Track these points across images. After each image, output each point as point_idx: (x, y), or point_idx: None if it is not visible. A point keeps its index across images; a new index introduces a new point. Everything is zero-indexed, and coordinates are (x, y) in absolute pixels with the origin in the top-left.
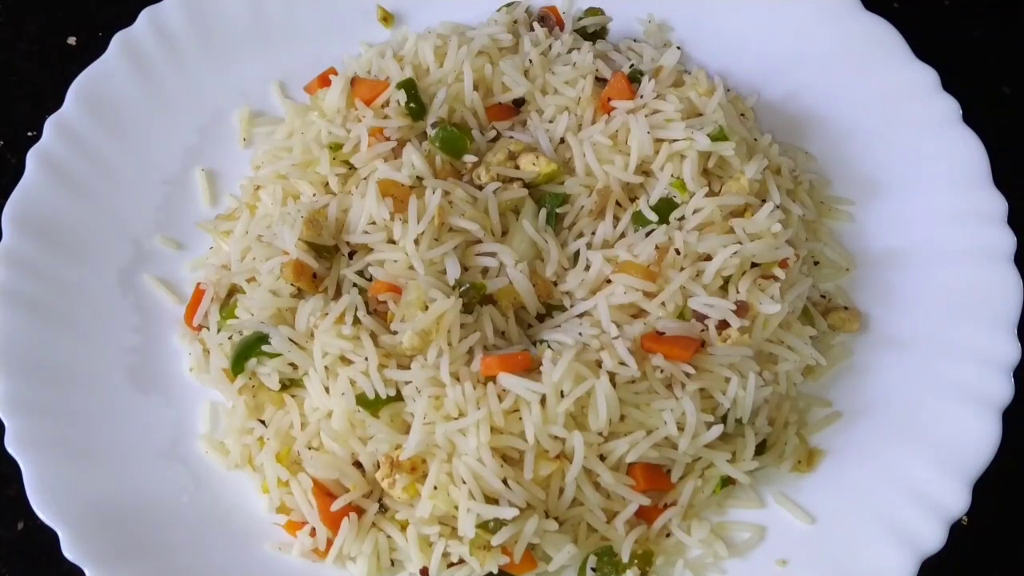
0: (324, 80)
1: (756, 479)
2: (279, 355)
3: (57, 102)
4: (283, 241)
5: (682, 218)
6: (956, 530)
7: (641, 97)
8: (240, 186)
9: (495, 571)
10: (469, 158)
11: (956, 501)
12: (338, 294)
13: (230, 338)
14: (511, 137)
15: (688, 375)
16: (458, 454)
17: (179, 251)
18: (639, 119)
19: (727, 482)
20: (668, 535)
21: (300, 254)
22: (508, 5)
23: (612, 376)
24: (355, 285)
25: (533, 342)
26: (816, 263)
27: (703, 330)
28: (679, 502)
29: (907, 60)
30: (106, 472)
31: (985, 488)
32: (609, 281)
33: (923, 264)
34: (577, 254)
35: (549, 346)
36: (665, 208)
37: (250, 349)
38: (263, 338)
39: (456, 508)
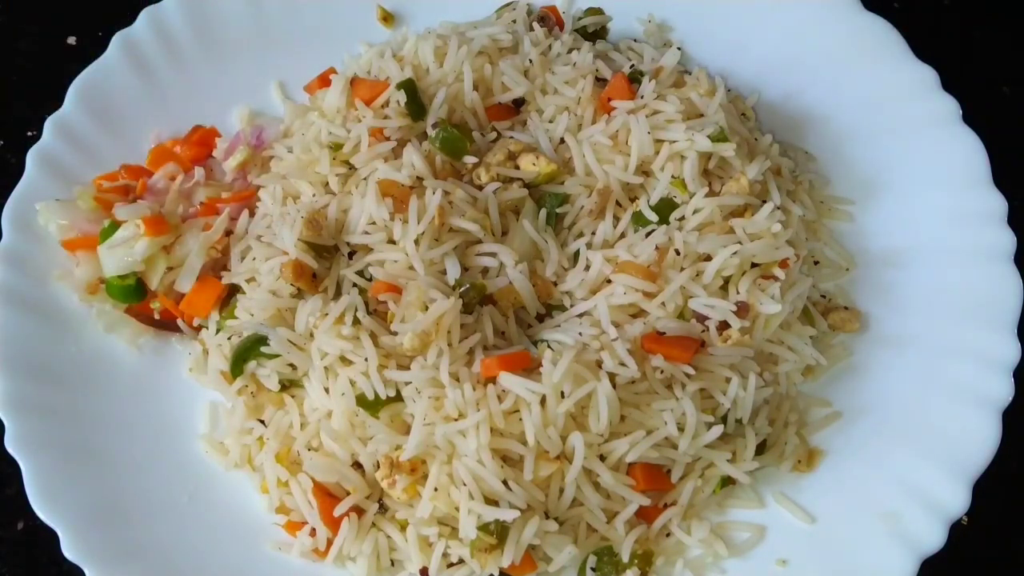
0: (324, 80)
1: (756, 479)
2: (278, 356)
3: (57, 102)
4: (283, 241)
5: (682, 218)
6: (956, 530)
7: (642, 97)
8: None
9: (495, 573)
10: (469, 159)
11: (956, 501)
12: (338, 294)
13: (229, 339)
14: (511, 137)
15: (688, 375)
16: (458, 455)
17: None
18: (639, 119)
19: (727, 482)
20: (668, 535)
21: (300, 254)
22: (508, 5)
23: (612, 377)
24: (355, 285)
25: (533, 342)
26: (816, 263)
27: (703, 331)
28: (679, 502)
29: (907, 60)
30: (106, 472)
31: (985, 488)
32: (609, 281)
33: (923, 264)
34: (577, 254)
35: (549, 346)
36: (665, 208)
37: (249, 351)
38: (262, 339)
39: (457, 509)
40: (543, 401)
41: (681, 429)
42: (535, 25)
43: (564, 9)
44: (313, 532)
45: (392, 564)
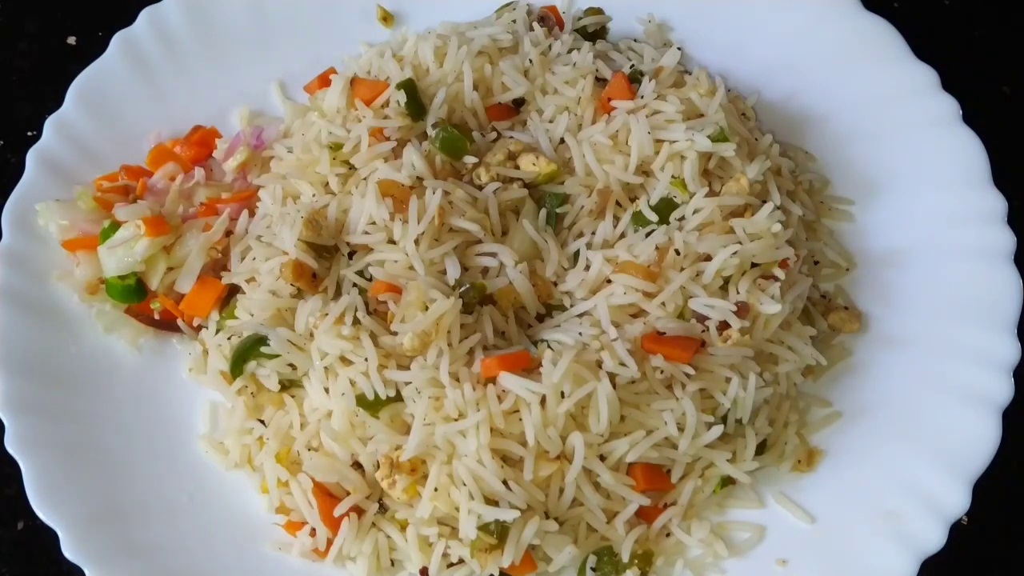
0: (324, 80)
1: (756, 479)
2: (278, 356)
3: (57, 102)
4: (283, 241)
5: (682, 218)
6: (956, 530)
7: (642, 97)
8: None
9: (496, 573)
10: (469, 159)
11: (956, 501)
12: (338, 294)
13: (229, 339)
14: (511, 137)
15: (688, 375)
16: (458, 455)
17: None
18: (639, 119)
19: (727, 482)
20: (668, 535)
21: (300, 254)
22: (508, 5)
23: (612, 377)
24: (355, 285)
25: (533, 342)
26: (816, 263)
27: (703, 331)
28: (679, 502)
29: (907, 60)
30: (106, 472)
31: (985, 488)
32: (609, 281)
33: (923, 264)
34: (577, 254)
35: (549, 346)
36: (665, 208)
37: (248, 352)
38: (262, 340)
39: (457, 509)
40: (543, 401)
41: (681, 429)
42: (535, 25)
43: (564, 9)
44: (313, 532)
45: (392, 564)
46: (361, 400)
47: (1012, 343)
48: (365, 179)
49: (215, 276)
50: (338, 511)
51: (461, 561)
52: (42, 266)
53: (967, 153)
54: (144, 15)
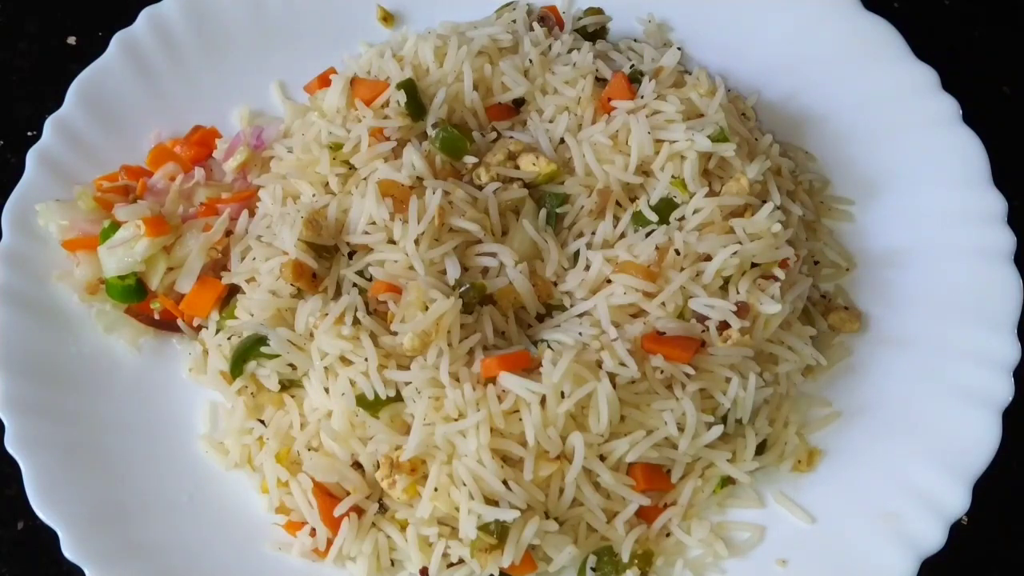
0: (324, 80)
1: (756, 479)
2: (278, 356)
3: (57, 102)
4: (283, 241)
5: (682, 218)
6: (956, 530)
7: (642, 97)
8: None
9: (495, 573)
10: (469, 159)
11: (956, 501)
12: (338, 294)
13: (229, 339)
14: (511, 137)
15: (688, 375)
16: (458, 455)
17: None
18: (639, 119)
19: (727, 482)
20: (668, 535)
21: (300, 254)
22: (508, 5)
23: (612, 377)
24: (355, 285)
25: (533, 342)
26: (816, 263)
27: (703, 331)
28: (679, 502)
29: (907, 60)
30: (106, 472)
31: (985, 488)
32: (609, 281)
33: (923, 264)
34: (577, 254)
35: (549, 346)
36: (665, 208)
37: (249, 351)
38: (262, 340)
39: (457, 509)
40: (543, 401)
41: (681, 429)
42: (535, 25)
43: (564, 9)
44: (313, 532)
45: (392, 564)
46: (361, 400)
47: (1012, 343)
48: (365, 179)
49: (215, 276)
50: (338, 511)
51: (461, 561)
52: (42, 266)
53: (967, 153)
54: (144, 15)
